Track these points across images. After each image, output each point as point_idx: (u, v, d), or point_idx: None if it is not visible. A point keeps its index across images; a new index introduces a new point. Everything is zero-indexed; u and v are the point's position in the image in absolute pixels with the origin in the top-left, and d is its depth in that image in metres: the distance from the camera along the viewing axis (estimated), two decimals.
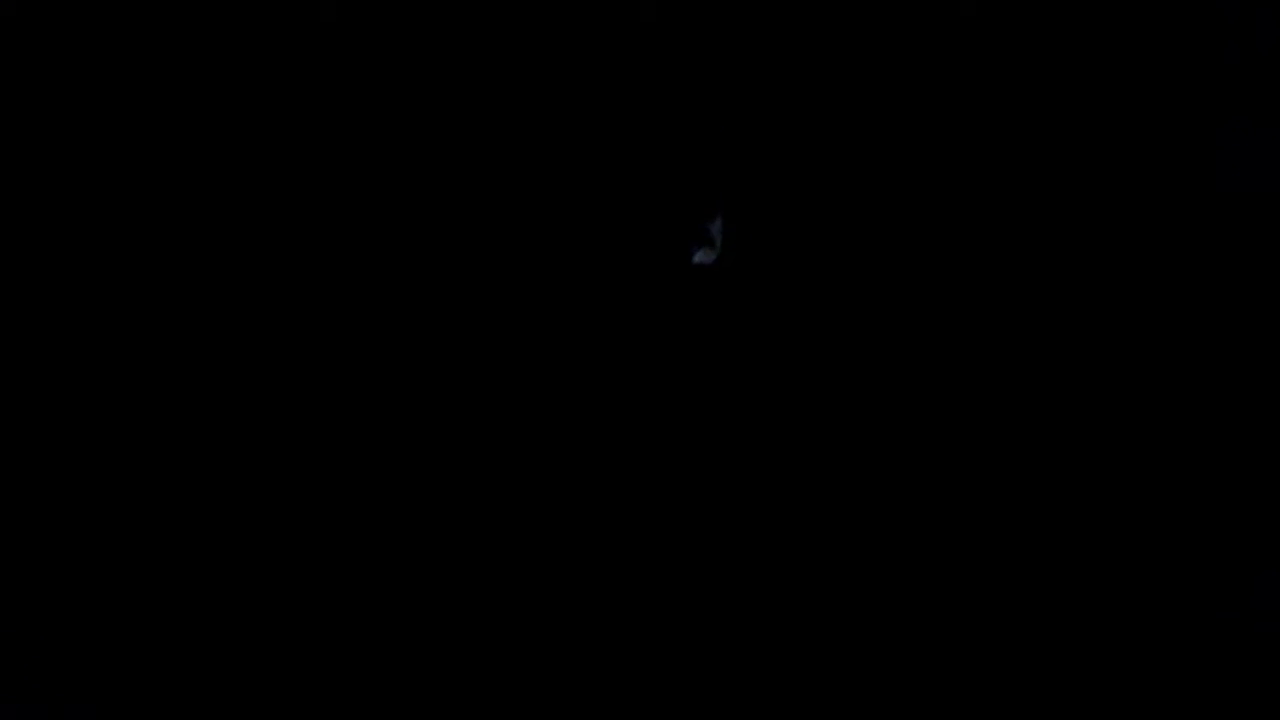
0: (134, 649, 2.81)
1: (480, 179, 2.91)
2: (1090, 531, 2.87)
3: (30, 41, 2.87)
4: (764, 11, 2.92)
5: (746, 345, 2.89)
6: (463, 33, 2.90)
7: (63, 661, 2.80)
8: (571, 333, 2.87)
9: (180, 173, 2.90)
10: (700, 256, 2.93)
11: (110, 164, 2.89)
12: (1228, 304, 2.89)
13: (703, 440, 2.88)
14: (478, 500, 2.87)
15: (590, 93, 2.90)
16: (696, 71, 2.91)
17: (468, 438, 2.88)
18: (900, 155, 2.92)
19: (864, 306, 2.91)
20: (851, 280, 2.91)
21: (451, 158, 2.92)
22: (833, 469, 2.88)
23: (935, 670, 2.81)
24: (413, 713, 2.80)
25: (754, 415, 2.89)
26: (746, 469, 2.88)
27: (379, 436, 2.88)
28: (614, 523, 2.87)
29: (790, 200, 2.93)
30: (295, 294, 2.88)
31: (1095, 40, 2.92)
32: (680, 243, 2.91)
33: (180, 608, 2.83)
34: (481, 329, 2.89)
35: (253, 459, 2.86)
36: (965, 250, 2.91)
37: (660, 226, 2.89)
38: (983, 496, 2.87)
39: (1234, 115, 2.91)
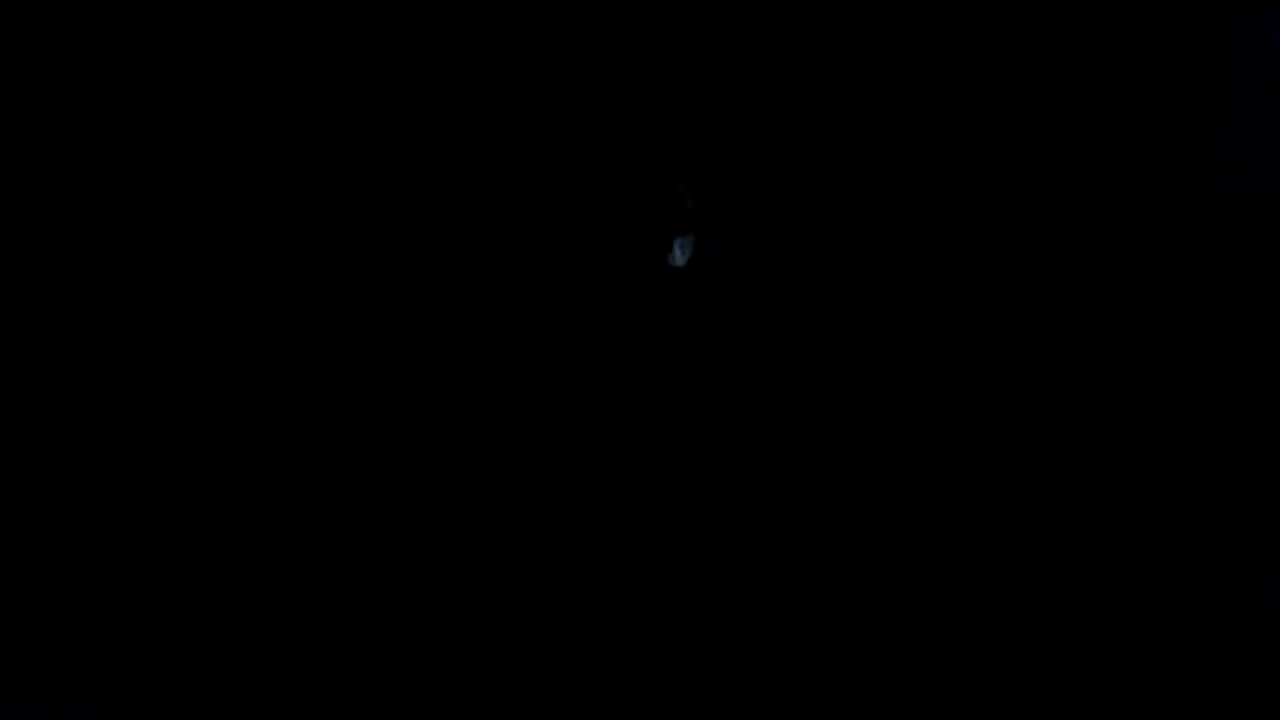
0: (134, 649, 2.81)
1: (464, 183, 2.92)
2: (1091, 531, 2.87)
3: (30, 41, 2.88)
4: (739, 24, 2.94)
5: (721, 343, 2.91)
6: (451, 40, 2.91)
7: (63, 661, 2.80)
8: (552, 331, 2.89)
9: (180, 172, 2.90)
10: (674, 258, 2.95)
11: (110, 163, 2.90)
12: (1226, 305, 2.90)
13: (673, 436, 2.90)
14: (457, 497, 2.88)
15: (573, 101, 2.92)
16: (676, 76, 2.93)
17: (449, 435, 2.89)
18: (890, 159, 2.93)
19: (839, 309, 2.92)
20: (826, 281, 2.93)
21: (438, 161, 2.93)
22: (800, 462, 2.90)
23: (935, 669, 2.82)
24: (411, 712, 2.80)
25: (727, 410, 2.90)
26: (717, 463, 2.89)
27: (360, 433, 2.88)
28: (596, 517, 2.88)
29: (763, 204, 2.95)
30: (274, 290, 2.90)
31: (1086, 36, 2.94)
32: (657, 245, 2.93)
33: (180, 608, 2.83)
34: (461, 328, 2.90)
35: (247, 459, 2.87)
36: (951, 251, 2.92)
37: (638, 229, 2.92)
38: (978, 496, 2.87)
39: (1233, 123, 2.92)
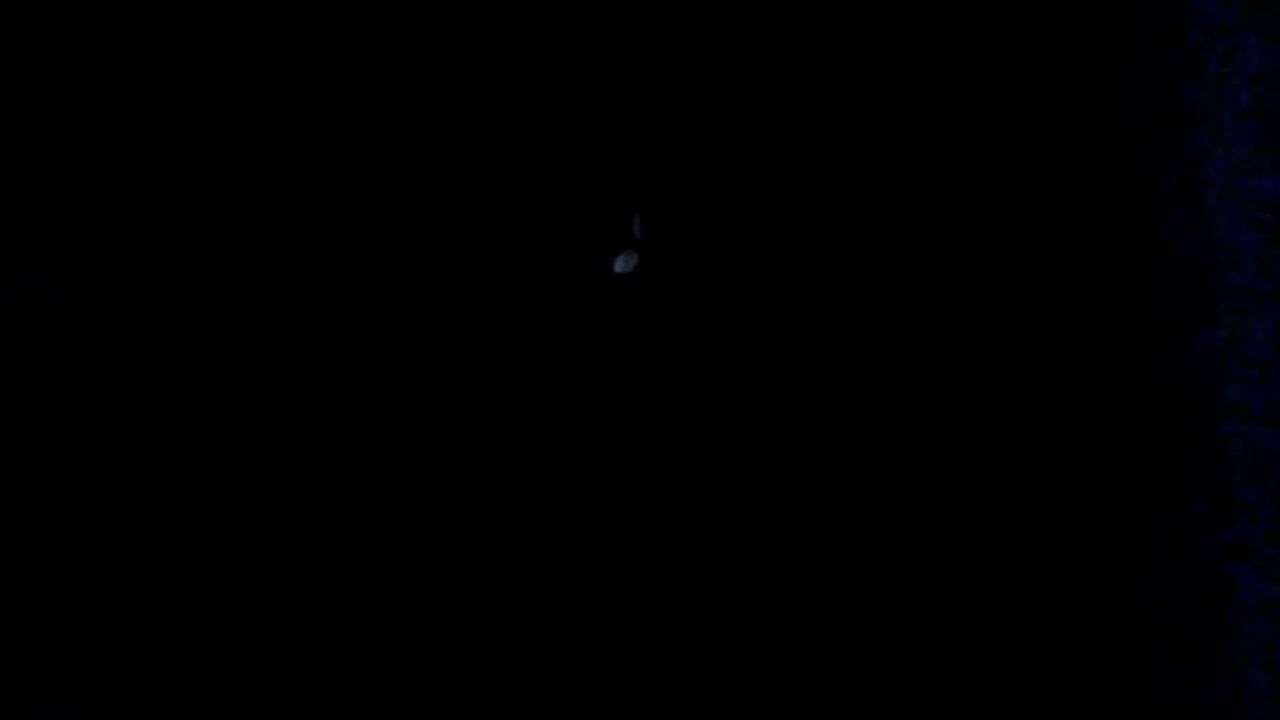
0: (127, 651, 2.81)
1: (408, 193, 2.93)
2: (987, 537, 3.02)
3: (31, 43, 2.82)
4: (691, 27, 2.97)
5: (671, 354, 2.96)
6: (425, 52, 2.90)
7: (54, 664, 2.78)
8: (490, 343, 2.93)
9: (179, 172, 2.87)
10: (621, 264, 2.97)
11: (111, 164, 2.86)
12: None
13: (622, 449, 2.96)
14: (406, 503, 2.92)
15: (517, 98, 2.93)
16: (618, 73, 2.96)
17: (410, 435, 2.92)
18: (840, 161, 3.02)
19: (793, 312, 2.99)
20: (780, 286, 3.00)
21: (399, 166, 2.93)
22: (751, 471, 2.97)
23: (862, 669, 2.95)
24: (406, 713, 2.88)
25: (677, 422, 2.96)
26: (665, 475, 2.96)
27: (323, 435, 2.89)
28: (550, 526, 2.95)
29: (715, 205, 2.99)
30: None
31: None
32: (601, 250, 2.97)
33: (178, 609, 2.84)
34: (401, 333, 2.93)
35: (230, 461, 2.87)
36: (902, 258, 3.01)
37: (580, 233, 2.95)
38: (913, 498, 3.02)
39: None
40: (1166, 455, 2.90)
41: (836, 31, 2.99)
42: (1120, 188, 2.99)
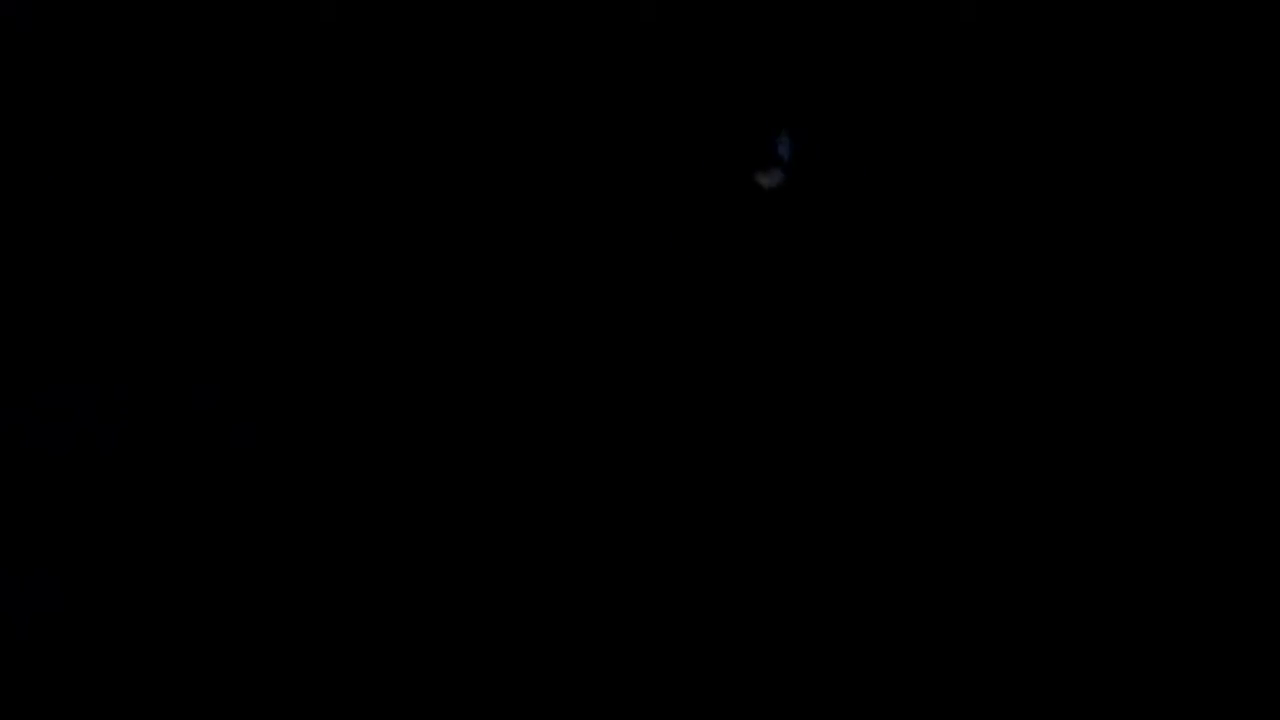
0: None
1: (516, 98, 2.89)
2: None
3: (33, 43, 2.89)
4: None
5: (815, 280, 2.82)
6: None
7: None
8: (628, 271, 2.83)
9: (181, 171, 2.91)
10: (767, 179, 2.87)
11: (112, 163, 2.91)
12: None
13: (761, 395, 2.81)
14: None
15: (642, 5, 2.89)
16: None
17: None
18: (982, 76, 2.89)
19: (949, 236, 2.85)
20: (935, 208, 2.86)
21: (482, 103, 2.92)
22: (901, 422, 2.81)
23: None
24: (407, 713, 2.77)
25: (818, 360, 2.80)
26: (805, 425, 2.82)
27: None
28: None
29: (867, 116, 2.88)
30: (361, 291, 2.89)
31: None
32: (745, 163, 2.86)
33: (177, 606, 2.81)
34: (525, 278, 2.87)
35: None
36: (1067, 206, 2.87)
37: (722, 146, 2.84)
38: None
39: None
40: None
41: None
42: None
